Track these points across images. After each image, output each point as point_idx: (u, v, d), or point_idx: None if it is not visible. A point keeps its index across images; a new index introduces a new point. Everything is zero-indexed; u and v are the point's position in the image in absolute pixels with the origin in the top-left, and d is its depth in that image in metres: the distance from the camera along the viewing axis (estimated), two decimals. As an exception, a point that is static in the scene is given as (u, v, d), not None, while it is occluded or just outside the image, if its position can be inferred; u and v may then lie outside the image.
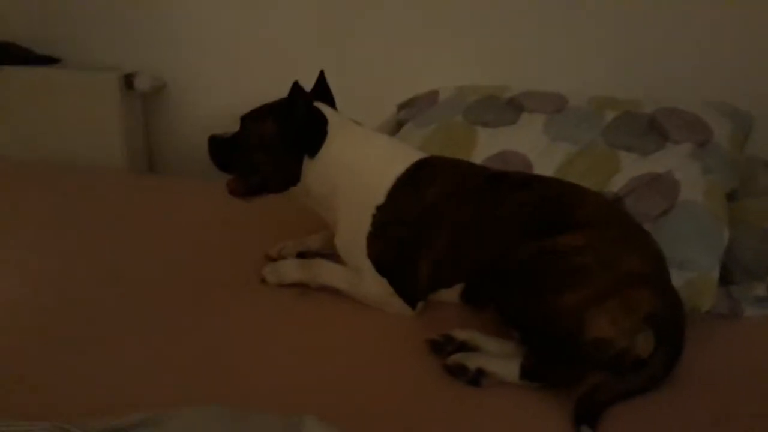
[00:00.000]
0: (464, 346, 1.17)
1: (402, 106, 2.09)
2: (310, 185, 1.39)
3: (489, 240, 1.28)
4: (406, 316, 1.32)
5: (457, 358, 1.12)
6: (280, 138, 1.35)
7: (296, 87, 1.32)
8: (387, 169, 1.37)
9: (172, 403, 1.02)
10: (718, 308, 1.33)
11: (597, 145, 1.61)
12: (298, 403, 1.06)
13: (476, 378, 1.09)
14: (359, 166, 1.37)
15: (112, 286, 1.44)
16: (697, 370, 1.14)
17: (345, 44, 2.16)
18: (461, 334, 1.19)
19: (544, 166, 1.61)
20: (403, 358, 1.19)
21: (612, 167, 1.56)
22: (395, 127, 2.07)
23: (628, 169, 1.54)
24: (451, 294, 1.35)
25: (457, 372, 1.10)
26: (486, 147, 1.67)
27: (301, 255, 1.55)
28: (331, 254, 1.48)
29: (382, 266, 1.32)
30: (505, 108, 1.77)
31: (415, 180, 1.36)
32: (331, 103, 1.49)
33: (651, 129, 1.62)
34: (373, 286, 1.33)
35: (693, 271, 1.32)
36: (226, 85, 2.21)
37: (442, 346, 1.18)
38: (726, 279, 1.39)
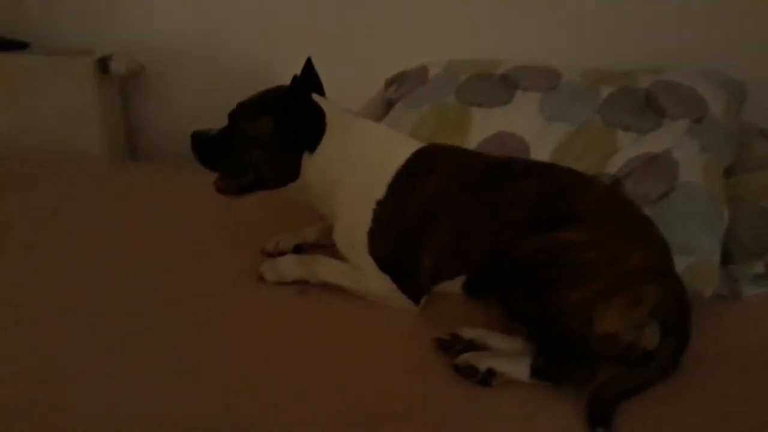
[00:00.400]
0: (472, 345, 1.16)
1: (390, 82, 2.04)
2: (309, 181, 1.34)
3: (490, 231, 1.27)
4: (410, 312, 1.31)
5: (466, 358, 1.12)
6: (278, 135, 1.30)
7: (296, 81, 1.27)
8: (386, 161, 1.34)
9: (173, 411, 1.03)
10: (718, 289, 1.34)
11: (593, 124, 1.59)
12: (305, 405, 1.05)
13: (486, 379, 1.09)
14: (359, 160, 1.33)
15: (103, 287, 1.40)
16: (700, 356, 1.15)
17: (328, 22, 2.07)
18: (468, 333, 1.18)
19: (541, 148, 1.59)
20: (409, 357, 1.18)
21: (609, 147, 1.54)
22: (384, 107, 2.03)
23: (626, 150, 1.53)
24: (453, 285, 1.34)
25: (467, 373, 1.10)
26: (481, 129, 1.64)
27: (297, 247, 1.52)
28: (328, 245, 1.46)
29: (384, 263, 1.30)
30: (499, 85, 1.73)
31: (415, 172, 1.33)
32: (320, 91, 1.44)
33: (647, 105, 1.60)
34: (376, 282, 1.31)
35: (694, 255, 1.33)
36: (207, 65, 2.11)
37: (449, 345, 1.17)
38: (724, 259, 1.40)
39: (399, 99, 1.88)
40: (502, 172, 1.32)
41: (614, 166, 1.51)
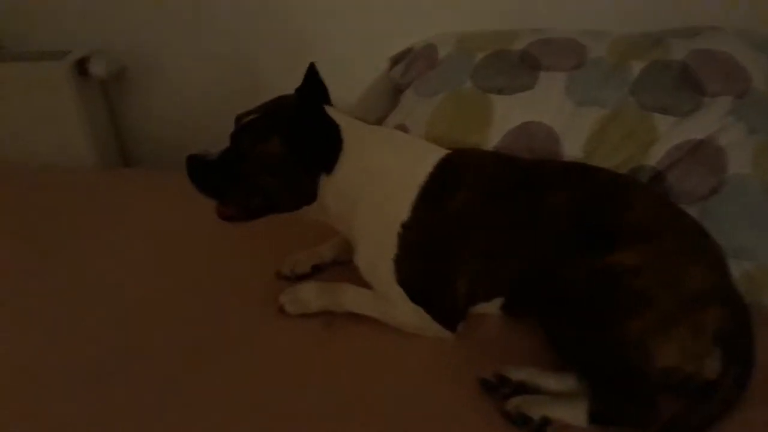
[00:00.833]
0: (521, 386, 1.07)
1: (395, 61, 1.87)
2: (327, 203, 1.22)
3: (528, 250, 1.17)
4: (447, 340, 1.22)
5: (517, 405, 1.03)
6: (289, 157, 1.16)
7: (303, 95, 1.13)
8: (409, 176, 1.21)
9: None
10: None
11: (628, 108, 1.44)
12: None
13: (541, 427, 1.00)
14: (379, 177, 1.21)
15: (106, 312, 1.32)
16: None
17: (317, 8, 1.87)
18: (517, 374, 1.09)
19: (573, 138, 1.45)
20: (450, 398, 1.09)
21: (648, 135, 1.40)
22: (391, 91, 1.86)
23: (666, 137, 1.39)
24: (490, 307, 1.24)
25: (519, 422, 1.01)
26: (505, 119, 1.49)
27: (315, 268, 1.42)
28: (348, 260, 1.35)
29: (414, 292, 1.20)
30: (519, 66, 1.56)
31: (440, 187, 1.21)
32: (326, 99, 1.29)
33: (684, 81, 1.45)
34: (407, 314, 1.21)
35: (750, 260, 1.23)
36: (194, 60, 1.92)
37: (495, 387, 1.08)
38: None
39: (407, 84, 1.72)
40: (536, 180, 1.21)
41: (655, 157, 1.38)
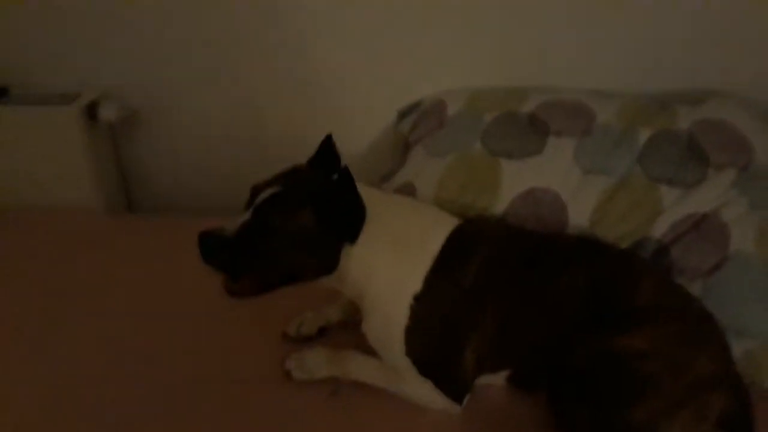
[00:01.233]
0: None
1: (403, 114, 1.89)
2: (347, 273, 1.21)
3: (539, 325, 1.19)
4: (453, 412, 1.22)
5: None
6: (319, 230, 1.15)
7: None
8: (422, 247, 1.23)
9: None
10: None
11: (635, 178, 1.47)
12: None
13: None
14: (394, 247, 1.21)
15: (102, 370, 1.32)
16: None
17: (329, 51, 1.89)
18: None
19: (580, 207, 1.47)
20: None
21: (654, 206, 1.43)
22: (399, 141, 1.88)
23: (671, 210, 1.41)
24: (496, 379, 1.25)
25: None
26: (513, 184, 1.51)
27: (322, 329, 1.42)
28: (354, 323, 1.35)
29: (423, 365, 1.20)
30: (528, 130, 1.59)
31: (453, 259, 1.22)
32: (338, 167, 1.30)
33: (689, 151, 1.47)
34: (415, 386, 1.22)
35: (752, 339, 1.24)
36: (205, 105, 1.92)
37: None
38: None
39: (416, 141, 1.73)
40: (548, 257, 1.24)
41: (659, 229, 1.40)
